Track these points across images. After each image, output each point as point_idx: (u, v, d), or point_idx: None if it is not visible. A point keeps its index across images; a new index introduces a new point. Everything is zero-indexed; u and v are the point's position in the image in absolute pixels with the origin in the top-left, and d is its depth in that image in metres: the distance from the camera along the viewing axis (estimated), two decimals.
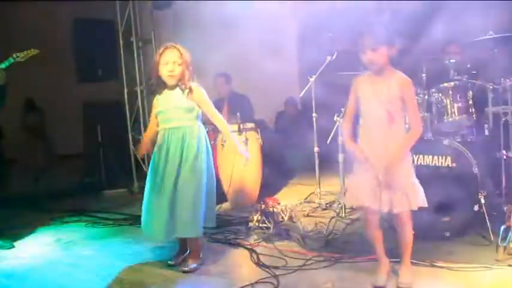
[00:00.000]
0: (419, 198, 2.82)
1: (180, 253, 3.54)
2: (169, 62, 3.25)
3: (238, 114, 4.94)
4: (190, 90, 3.27)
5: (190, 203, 3.26)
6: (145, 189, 3.44)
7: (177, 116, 3.30)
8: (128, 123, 6.75)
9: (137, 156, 6.24)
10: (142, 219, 3.46)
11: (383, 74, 2.82)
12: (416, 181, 2.87)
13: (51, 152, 7.75)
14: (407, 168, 2.84)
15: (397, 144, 2.78)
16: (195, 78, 3.37)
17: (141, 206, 5.41)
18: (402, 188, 2.77)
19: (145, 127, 6.65)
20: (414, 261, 3.17)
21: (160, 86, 3.35)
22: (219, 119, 3.45)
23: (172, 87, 3.33)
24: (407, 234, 2.91)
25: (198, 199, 3.28)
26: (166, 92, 3.35)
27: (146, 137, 3.63)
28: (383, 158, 2.76)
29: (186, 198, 3.25)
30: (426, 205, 2.85)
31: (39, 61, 4.37)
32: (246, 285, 3.01)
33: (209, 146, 3.45)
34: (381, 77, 2.82)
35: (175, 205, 3.25)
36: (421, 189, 2.85)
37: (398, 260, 3.04)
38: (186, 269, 3.35)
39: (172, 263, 3.47)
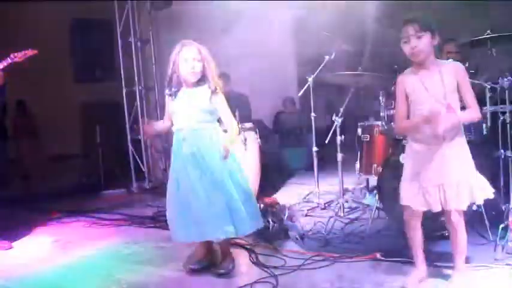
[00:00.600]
0: (481, 193, 2.70)
1: (203, 258, 3.40)
2: (188, 59, 3.14)
3: (237, 113, 4.92)
4: (215, 90, 3.16)
5: (247, 197, 3.21)
6: (171, 194, 3.26)
7: (200, 116, 3.17)
8: (127, 123, 6.75)
9: (135, 155, 6.26)
10: (175, 226, 3.26)
11: (429, 65, 2.65)
12: (477, 173, 2.74)
13: (41, 153, 7.70)
14: (465, 160, 2.72)
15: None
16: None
17: (140, 207, 5.44)
18: (460, 182, 2.64)
19: (143, 129, 6.65)
20: (412, 260, 3.17)
21: (179, 84, 3.22)
22: (232, 126, 3.27)
23: (193, 85, 3.20)
24: (462, 234, 2.79)
25: (250, 191, 3.26)
26: (186, 91, 3.22)
27: (157, 125, 3.51)
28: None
29: (241, 193, 3.18)
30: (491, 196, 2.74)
31: (37, 61, 4.36)
32: (245, 285, 3.01)
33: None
34: (428, 70, 2.65)
35: (231, 203, 3.13)
36: (483, 181, 2.74)
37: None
38: (223, 271, 3.24)
39: (197, 267, 3.33)
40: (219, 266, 3.30)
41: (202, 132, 3.16)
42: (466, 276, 2.83)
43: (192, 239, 3.27)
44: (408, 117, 2.74)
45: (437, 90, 2.60)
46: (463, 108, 2.69)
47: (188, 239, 3.27)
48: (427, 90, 2.62)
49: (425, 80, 2.63)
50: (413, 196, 2.74)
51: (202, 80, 3.20)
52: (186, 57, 3.14)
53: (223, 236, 3.18)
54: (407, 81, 2.72)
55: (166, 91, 3.27)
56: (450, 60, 2.71)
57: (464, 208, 2.69)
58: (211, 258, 3.41)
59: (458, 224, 2.75)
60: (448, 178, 2.64)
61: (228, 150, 3.16)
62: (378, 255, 3.30)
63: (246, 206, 3.18)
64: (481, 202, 2.75)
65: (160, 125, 3.45)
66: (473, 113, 2.64)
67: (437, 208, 2.68)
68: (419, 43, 2.56)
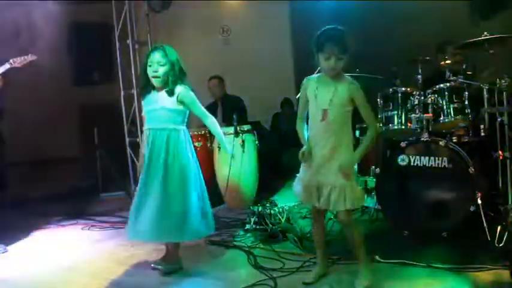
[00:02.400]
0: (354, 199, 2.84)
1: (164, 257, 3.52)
2: (153, 63, 3.24)
3: (234, 116, 4.93)
4: (172, 92, 3.24)
5: (179, 207, 3.23)
6: (137, 193, 3.38)
7: (163, 117, 3.27)
8: (125, 126, 6.75)
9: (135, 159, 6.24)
10: (129, 222, 3.36)
11: (333, 77, 2.85)
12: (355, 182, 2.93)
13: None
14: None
15: (362, 145, 2.90)
16: (185, 79, 3.33)
17: None
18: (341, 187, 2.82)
19: (142, 130, 6.66)
20: (411, 262, 3.18)
21: (150, 87, 3.33)
22: (209, 120, 3.40)
23: (160, 89, 3.30)
24: (354, 233, 2.96)
25: (186, 204, 3.25)
26: (155, 92, 3.32)
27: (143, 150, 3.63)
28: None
29: (174, 202, 3.22)
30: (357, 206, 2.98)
31: (35, 63, 4.37)
32: None
33: (193, 151, 3.41)
34: (331, 80, 2.86)
35: (163, 208, 3.21)
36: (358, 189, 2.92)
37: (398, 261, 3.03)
38: (157, 267, 3.39)
39: (157, 266, 3.43)
40: (160, 260, 3.44)
41: (161, 133, 3.25)
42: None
43: (140, 238, 3.42)
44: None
45: (328, 98, 2.83)
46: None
47: (136, 238, 3.40)
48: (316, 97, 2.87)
49: (323, 87, 2.87)
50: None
51: (168, 82, 3.28)
52: (151, 61, 3.25)
53: (166, 240, 3.38)
54: (310, 84, 2.95)
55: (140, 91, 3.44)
56: (349, 79, 2.88)
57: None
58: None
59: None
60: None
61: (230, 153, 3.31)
62: (377, 257, 3.30)
63: (198, 212, 3.29)
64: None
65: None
66: (373, 135, 2.90)
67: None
68: (338, 64, 2.77)
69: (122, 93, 6.69)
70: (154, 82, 3.27)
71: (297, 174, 3.11)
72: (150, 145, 3.28)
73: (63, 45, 7.03)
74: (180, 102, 3.26)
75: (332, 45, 2.73)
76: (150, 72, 3.26)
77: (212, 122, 3.41)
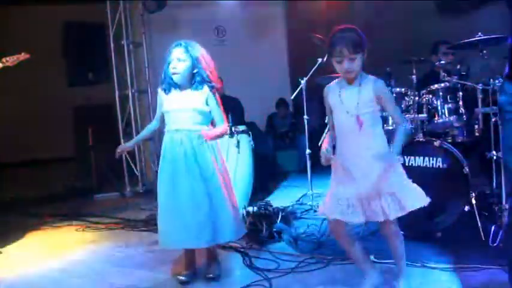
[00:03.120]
0: (412, 200, 2.63)
1: (190, 266, 3.33)
2: (173, 59, 3.11)
3: (230, 116, 4.93)
4: (207, 91, 3.12)
5: (228, 205, 3.14)
6: (161, 197, 3.17)
7: (193, 118, 3.12)
8: (120, 126, 6.73)
9: (127, 157, 6.22)
10: (162, 229, 3.18)
11: (354, 80, 2.65)
12: (409, 181, 2.71)
13: None
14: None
15: (397, 141, 2.61)
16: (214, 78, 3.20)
17: (133, 210, 5.42)
18: (391, 193, 2.60)
19: (137, 130, 6.65)
20: (406, 262, 3.18)
21: (172, 84, 3.17)
22: (223, 126, 3.23)
23: (185, 87, 3.16)
24: (397, 243, 2.78)
25: (228, 202, 3.16)
26: (180, 92, 3.17)
27: (139, 137, 3.53)
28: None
29: (223, 201, 3.13)
30: (424, 204, 2.67)
31: (30, 64, 4.36)
32: None
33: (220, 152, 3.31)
34: (352, 84, 2.66)
35: (212, 210, 3.08)
36: (415, 188, 2.71)
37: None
38: (212, 275, 3.23)
39: (187, 279, 3.22)
40: (207, 270, 3.28)
41: (194, 134, 3.10)
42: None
43: (177, 246, 3.24)
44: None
45: (353, 103, 2.62)
46: None
47: (174, 245, 3.23)
48: (344, 102, 2.66)
49: (345, 92, 2.67)
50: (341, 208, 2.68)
51: (193, 80, 3.15)
52: (172, 57, 3.13)
53: (205, 245, 3.15)
54: (331, 92, 2.74)
55: (160, 88, 3.23)
56: (372, 77, 2.68)
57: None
58: (196, 265, 3.36)
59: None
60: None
61: (207, 135, 3.08)
62: (372, 257, 3.29)
63: (230, 213, 3.16)
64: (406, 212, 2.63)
65: (142, 135, 3.41)
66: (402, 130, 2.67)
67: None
68: (352, 65, 2.57)
69: (117, 93, 6.67)
70: (175, 79, 3.13)
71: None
72: (178, 147, 3.10)
73: (58, 46, 7.01)
74: (207, 103, 3.14)
75: (341, 47, 2.54)
76: (169, 68, 3.13)
77: (224, 128, 3.23)
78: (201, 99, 3.13)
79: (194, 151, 3.09)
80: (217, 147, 3.24)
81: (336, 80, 2.76)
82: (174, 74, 3.11)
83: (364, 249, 2.89)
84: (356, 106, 2.60)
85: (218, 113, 3.20)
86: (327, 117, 2.86)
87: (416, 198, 2.66)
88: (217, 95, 3.21)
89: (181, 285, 3.19)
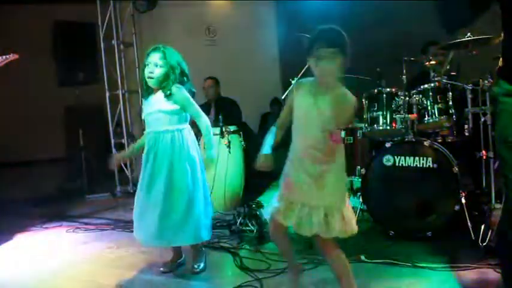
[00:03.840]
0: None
1: (175, 259, 3.47)
2: (150, 64, 3.18)
3: (220, 117, 4.93)
4: (170, 95, 3.18)
5: (184, 209, 3.17)
6: (137, 195, 3.30)
7: (163, 119, 3.20)
8: (110, 127, 6.71)
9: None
10: (134, 225, 3.31)
11: (328, 87, 2.41)
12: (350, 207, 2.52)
13: None
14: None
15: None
16: (188, 82, 3.29)
17: (123, 211, 5.40)
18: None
19: (128, 131, 6.63)
20: (396, 262, 3.20)
21: (149, 89, 3.26)
22: (202, 120, 3.30)
23: (156, 90, 3.24)
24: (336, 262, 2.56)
25: (193, 204, 3.20)
26: (152, 95, 3.26)
27: (131, 147, 3.60)
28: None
29: (182, 204, 3.17)
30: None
31: (20, 64, 4.33)
32: None
33: (199, 149, 3.35)
34: (326, 91, 2.41)
35: (172, 211, 3.15)
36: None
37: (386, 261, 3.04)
38: (197, 270, 3.32)
39: (166, 270, 3.39)
40: (192, 266, 3.37)
41: (165, 135, 3.19)
42: None
43: (153, 244, 3.36)
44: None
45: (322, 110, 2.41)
46: None
47: (148, 243, 3.35)
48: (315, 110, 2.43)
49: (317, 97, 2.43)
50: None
51: (166, 83, 3.21)
52: (149, 62, 3.19)
53: (181, 243, 3.32)
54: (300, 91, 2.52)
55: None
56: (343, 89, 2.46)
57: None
58: (179, 259, 3.49)
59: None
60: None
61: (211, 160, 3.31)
62: (363, 257, 3.31)
63: (206, 211, 3.27)
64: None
65: (139, 145, 3.44)
66: None
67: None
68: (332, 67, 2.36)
69: (107, 94, 6.65)
70: (149, 83, 3.20)
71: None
72: (154, 148, 3.20)
73: (48, 46, 6.96)
74: (175, 102, 3.19)
75: (321, 46, 2.34)
76: (146, 72, 3.19)
77: (204, 123, 3.29)
78: (171, 100, 3.19)
79: (165, 153, 3.18)
80: (191, 147, 3.27)
81: (310, 79, 2.51)
82: (149, 78, 3.19)
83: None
84: (329, 119, 2.38)
85: (192, 109, 3.27)
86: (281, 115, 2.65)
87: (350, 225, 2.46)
88: (186, 92, 3.25)
89: (171, 286, 3.19)
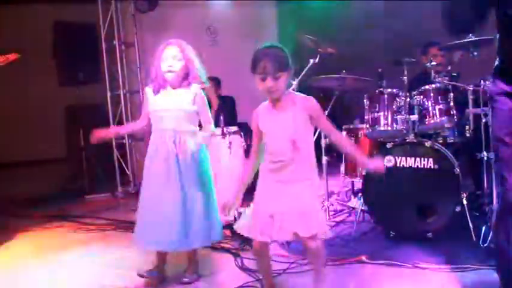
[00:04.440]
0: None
1: (160, 266, 3.32)
2: (168, 58, 3.09)
3: (221, 117, 4.92)
4: (198, 92, 3.12)
5: (203, 211, 3.12)
6: (144, 197, 3.18)
7: (182, 118, 3.11)
8: (111, 127, 6.70)
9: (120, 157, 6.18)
10: (138, 228, 3.20)
11: (280, 103, 2.53)
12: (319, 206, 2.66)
13: None
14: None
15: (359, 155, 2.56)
16: (204, 78, 3.20)
17: (124, 211, 5.39)
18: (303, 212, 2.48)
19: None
20: (396, 262, 3.20)
21: (161, 84, 3.15)
22: (210, 128, 3.25)
23: (174, 86, 3.15)
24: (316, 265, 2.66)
25: (210, 206, 3.17)
26: (170, 91, 3.15)
27: (124, 128, 3.47)
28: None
29: (198, 206, 3.11)
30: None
31: (21, 64, 4.33)
32: None
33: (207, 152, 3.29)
34: (281, 104, 2.53)
35: (186, 214, 3.07)
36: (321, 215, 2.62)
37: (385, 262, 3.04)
38: (186, 280, 3.22)
39: (142, 274, 3.26)
40: (184, 273, 3.27)
41: (182, 135, 3.10)
42: None
43: (150, 247, 3.23)
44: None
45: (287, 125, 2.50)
46: None
47: (146, 246, 3.24)
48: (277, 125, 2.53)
49: (277, 116, 2.54)
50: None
51: (186, 80, 3.14)
52: (166, 56, 3.10)
53: (182, 248, 3.17)
54: (260, 114, 2.62)
55: (148, 87, 3.21)
56: (300, 95, 2.59)
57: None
58: (163, 269, 3.34)
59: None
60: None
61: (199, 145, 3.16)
62: (363, 258, 3.31)
63: (204, 218, 3.15)
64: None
65: (127, 128, 3.36)
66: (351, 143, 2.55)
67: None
68: (276, 83, 2.45)
69: (109, 94, 6.65)
70: (168, 77, 3.10)
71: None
72: (167, 147, 3.08)
73: (49, 45, 6.96)
74: (195, 102, 3.13)
75: (265, 63, 2.43)
76: (164, 67, 3.09)
77: (211, 130, 3.26)
78: (189, 99, 3.12)
79: (178, 153, 3.08)
80: (205, 149, 3.22)
81: (264, 103, 2.63)
82: (169, 72, 3.09)
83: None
84: (292, 132, 2.46)
85: (205, 113, 3.21)
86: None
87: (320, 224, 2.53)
88: (205, 95, 3.20)
89: (173, 287, 3.18)
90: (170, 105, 3.12)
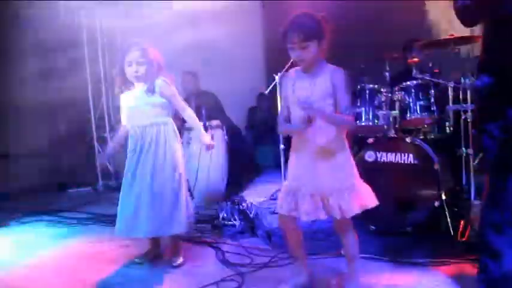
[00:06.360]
0: (357, 204, 2.59)
1: (151, 250, 3.53)
2: (132, 63, 3.23)
3: (203, 111, 4.91)
4: (153, 90, 3.25)
5: (172, 199, 3.25)
6: (122, 188, 3.34)
7: (149, 112, 3.27)
8: (92, 120, 6.65)
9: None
10: (118, 218, 3.34)
11: (312, 70, 2.55)
12: (359, 182, 2.69)
13: None
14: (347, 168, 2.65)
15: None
16: (163, 73, 3.33)
17: (105, 205, 5.36)
18: (338, 192, 2.56)
19: (110, 124, 6.58)
20: (376, 256, 3.23)
21: (128, 85, 3.32)
22: (187, 112, 3.39)
23: (139, 84, 3.30)
24: (349, 242, 2.76)
25: (180, 195, 3.28)
26: (136, 90, 3.31)
27: (114, 142, 3.59)
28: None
29: (168, 195, 3.24)
30: (373, 205, 2.67)
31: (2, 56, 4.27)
32: (210, 284, 2.99)
33: (180, 143, 3.44)
34: (308, 73, 2.56)
35: (157, 202, 3.22)
36: (364, 190, 2.68)
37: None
38: (175, 264, 3.35)
39: (142, 261, 3.45)
40: (171, 260, 3.41)
41: (151, 128, 3.25)
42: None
43: (132, 235, 3.34)
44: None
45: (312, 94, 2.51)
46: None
47: (128, 234, 3.34)
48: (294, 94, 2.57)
49: (302, 83, 2.57)
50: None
51: (151, 78, 3.28)
52: (130, 60, 3.24)
53: (147, 235, 3.35)
54: (287, 81, 2.66)
55: (116, 90, 3.37)
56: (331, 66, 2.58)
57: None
58: (157, 253, 3.55)
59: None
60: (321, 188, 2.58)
61: (210, 145, 3.46)
62: (342, 252, 3.33)
63: (177, 207, 3.28)
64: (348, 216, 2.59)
65: (119, 139, 3.46)
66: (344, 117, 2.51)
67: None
68: (304, 52, 2.46)
69: (90, 87, 6.59)
70: (135, 81, 3.28)
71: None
72: (139, 141, 3.26)
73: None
74: (161, 95, 3.26)
75: (292, 33, 2.43)
76: (129, 71, 3.24)
77: (190, 115, 3.40)
78: (156, 92, 3.26)
79: (150, 145, 3.24)
80: (176, 140, 3.35)
81: (295, 68, 2.65)
82: (136, 77, 3.25)
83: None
84: (307, 100, 2.46)
85: (176, 101, 3.36)
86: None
87: (367, 198, 2.65)
88: (172, 86, 3.33)
89: (152, 280, 3.17)
90: (138, 101, 3.27)
